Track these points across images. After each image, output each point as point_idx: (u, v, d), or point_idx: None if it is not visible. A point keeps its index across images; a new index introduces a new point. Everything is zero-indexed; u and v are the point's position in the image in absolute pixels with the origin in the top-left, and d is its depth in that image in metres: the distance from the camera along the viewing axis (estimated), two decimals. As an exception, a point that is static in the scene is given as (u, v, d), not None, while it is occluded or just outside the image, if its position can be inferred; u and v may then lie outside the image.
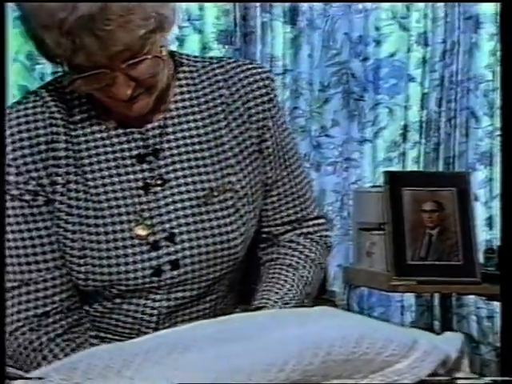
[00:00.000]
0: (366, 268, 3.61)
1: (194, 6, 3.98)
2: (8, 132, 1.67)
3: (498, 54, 4.16)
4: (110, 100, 1.63)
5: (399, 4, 4.18)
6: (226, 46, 4.00)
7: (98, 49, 1.52)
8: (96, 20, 1.49)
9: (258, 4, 4.00)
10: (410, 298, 4.07)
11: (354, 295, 3.93)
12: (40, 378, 1.29)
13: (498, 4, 4.12)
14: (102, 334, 1.72)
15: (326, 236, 1.89)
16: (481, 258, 3.61)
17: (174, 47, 3.72)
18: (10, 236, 1.69)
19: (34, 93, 1.73)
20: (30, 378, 1.39)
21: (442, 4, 4.17)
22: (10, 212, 1.69)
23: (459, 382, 1.32)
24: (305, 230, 1.86)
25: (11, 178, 1.67)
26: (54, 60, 1.60)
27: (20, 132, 1.67)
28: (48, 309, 1.68)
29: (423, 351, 1.30)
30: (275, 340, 1.31)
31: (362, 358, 1.27)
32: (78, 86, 1.61)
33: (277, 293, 1.75)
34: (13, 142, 1.66)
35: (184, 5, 3.91)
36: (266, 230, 1.84)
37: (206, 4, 3.97)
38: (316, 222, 1.88)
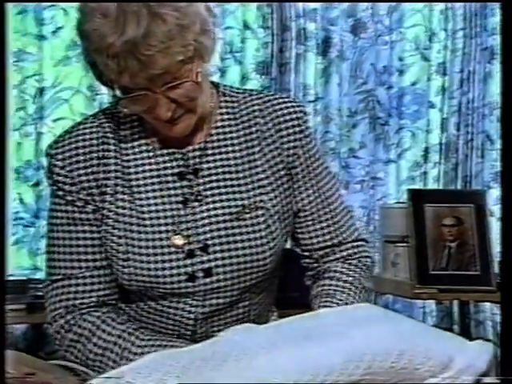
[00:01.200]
0: (391, 277, 3.58)
1: (236, 39, 3.97)
2: (67, 147, 1.72)
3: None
4: (155, 121, 1.66)
5: (422, 36, 4.18)
6: (263, 76, 4.00)
7: (139, 71, 1.55)
8: (139, 45, 1.52)
9: (293, 36, 4.00)
10: (431, 305, 4.06)
11: (380, 302, 3.91)
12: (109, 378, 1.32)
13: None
14: None
15: (366, 257, 1.86)
16: (496, 268, 3.52)
17: (216, 77, 3.78)
18: (60, 234, 1.73)
19: (93, 115, 1.79)
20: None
21: (461, 35, 4.17)
22: (63, 214, 1.73)
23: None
24: (344, 253, 1.83)
25: (66, 187, 1.71)
26: (106, 82, 1.66)
27: (77, 148, 1.71)
28: (85, 301, 1.71)
29: (458, 369, 1.32)
30: (322, 350, 1.31)
31: (400, 372, 1.29)
32: (124, 106, 1.65)
33: None
34: (70, 157, 1.71)
35: (227, 38, 3.95)
36: (306, 254, 1.84)
37: (248, 36, 3.98)
38: (355, 244, 1.85)
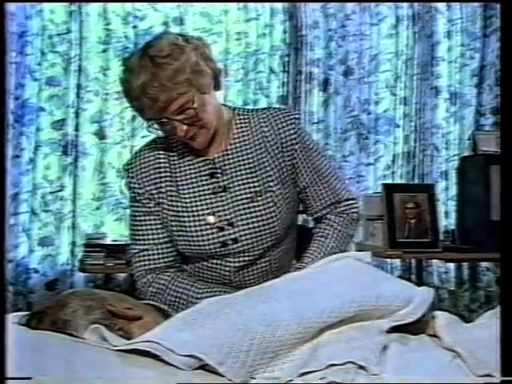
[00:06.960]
0: (371, 243, 3.66)
1: (264, 79, 3.92)
2: (134, 166, 1.73)
3: (450, 110, 4.18)
4: (181, 139, 1.67)
5: (390, 78, 4.13)
6: (283, 106, 3.92)
7: (151, 106, 1.56)
8: (146, 87, 1.54)
9: (303, 78, 3.98)
10: (397, 262, 4.09)
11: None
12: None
13: (452, 77, 4.16)
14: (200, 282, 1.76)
15: (354, 212, 1.82)
16: (441, 236, 3.68)
17: (251, 106, 3.75)
18: (136, 222, 1.74)
19: (153, 140, 1.78)
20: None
21: (416, 78, 4.12)
22: (136, 208, 1.74)
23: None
24: (339, 210, 1.80)
25: (136, 191, 1.73)
26: (142, 116, 1.63)
27: (142, 163, 1.73)
28: (157, 266, 1.72)
29: (417, 304, 1.38)
30: (325, 296, 1.34)
31: (380, 308, 1.34)
32: (154, 130, 1.65)
33: (309, 257, 1.74)
34: (137, 171, 1.73)
35: (258, 79, 3.90)
36: (315, 215, 1.81)
37: (272, 78, 3.96)
38: (347, 202, 1.81)
